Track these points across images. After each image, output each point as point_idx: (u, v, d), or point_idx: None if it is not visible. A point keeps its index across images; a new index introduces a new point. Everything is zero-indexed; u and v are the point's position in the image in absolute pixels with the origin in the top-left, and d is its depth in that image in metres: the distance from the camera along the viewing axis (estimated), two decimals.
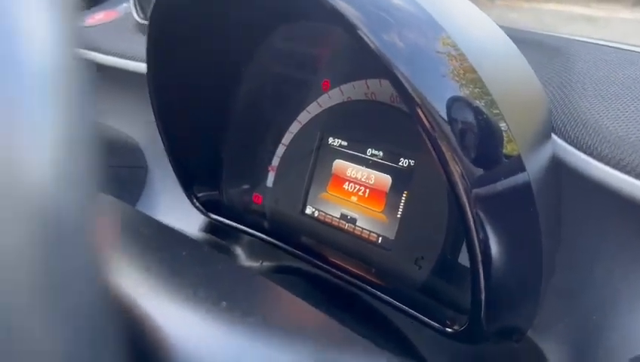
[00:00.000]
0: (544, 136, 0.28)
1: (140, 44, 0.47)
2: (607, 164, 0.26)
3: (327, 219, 0.36)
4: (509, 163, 0.25)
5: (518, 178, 0.25)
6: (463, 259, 0.31)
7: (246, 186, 0.41)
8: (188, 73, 0.36)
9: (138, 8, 0.49)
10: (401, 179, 0.32)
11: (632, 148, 0.25)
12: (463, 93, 0.24)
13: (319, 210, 0.36)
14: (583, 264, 0.27)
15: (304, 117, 0.38)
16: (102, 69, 0.48)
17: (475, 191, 0.24)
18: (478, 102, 0.24)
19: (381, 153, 0.33)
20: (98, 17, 0.52)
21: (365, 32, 0.22)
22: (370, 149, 0.34)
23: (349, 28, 0.22)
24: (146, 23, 0.48)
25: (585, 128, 0.27)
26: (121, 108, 0.51)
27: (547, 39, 0.37)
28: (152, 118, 0.37)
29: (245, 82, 0.40)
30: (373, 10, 0.23)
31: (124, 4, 0.53)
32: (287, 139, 0.39)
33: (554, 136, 0.28)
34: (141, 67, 0.42)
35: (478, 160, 0.24)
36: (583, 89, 0.30)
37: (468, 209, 0.24)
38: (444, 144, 0.23)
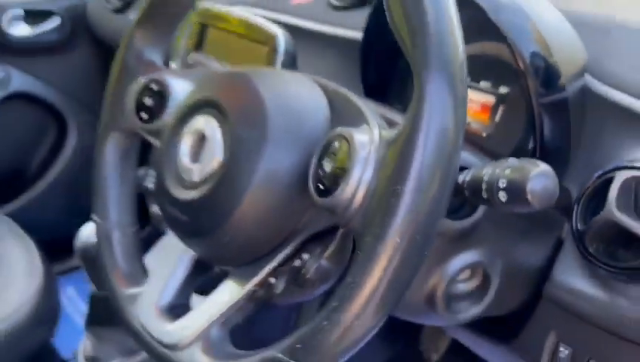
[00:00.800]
0: (580, 75, 0.52)
1: (336, 18, 0.74)
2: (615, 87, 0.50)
3: None
4: (557, 88, 0.50)
5: (561, 96, 0.50)
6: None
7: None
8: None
9: None
10: (500, 99, 0.58)
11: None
12: (538, 49, 0.49)
13: None
14: (591, 148, 0.52)
15: None
16: (311, 36, 0.75)
17: (540, 100, 0.49)
18: (545, 55, 0.49)
19: (489, 83, 0.59)
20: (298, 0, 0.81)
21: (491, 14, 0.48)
22: (482, 82, 0.59)
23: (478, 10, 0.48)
24: (337, 3, 0.75)
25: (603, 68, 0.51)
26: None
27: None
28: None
29: None
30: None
31: None
32: None
33: (586, 75, 0.52)
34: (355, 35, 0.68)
35: (542, 84, 0.49)
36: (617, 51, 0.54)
37: (536, 109, 0.50)
38: (528, 75, 0.49)
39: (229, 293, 0.41)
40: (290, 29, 0.73)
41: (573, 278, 0.50)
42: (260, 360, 0.36)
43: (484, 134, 0.59)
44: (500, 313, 0.56)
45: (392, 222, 0.31)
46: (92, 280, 0.73)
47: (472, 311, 0.48)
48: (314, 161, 0.36)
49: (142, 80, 0.50)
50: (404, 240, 0.31)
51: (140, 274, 0.49)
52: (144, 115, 0.49)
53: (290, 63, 0.69)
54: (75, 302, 1.27)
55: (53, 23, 1.18)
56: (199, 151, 0.41)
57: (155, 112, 0.48)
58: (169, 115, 0.47)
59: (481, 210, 0.43)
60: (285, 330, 0.84)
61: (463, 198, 0.39)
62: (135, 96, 0.50)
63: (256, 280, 0.40)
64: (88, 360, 0.79)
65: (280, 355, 0.35)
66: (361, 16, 0.70)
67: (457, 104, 0.32)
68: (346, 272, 0.36)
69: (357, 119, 0.38)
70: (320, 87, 0.43)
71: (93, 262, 0.69)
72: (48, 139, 1.28)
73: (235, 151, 0.39)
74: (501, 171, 0.35)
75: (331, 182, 0.35)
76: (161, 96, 0.48)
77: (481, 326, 0.60)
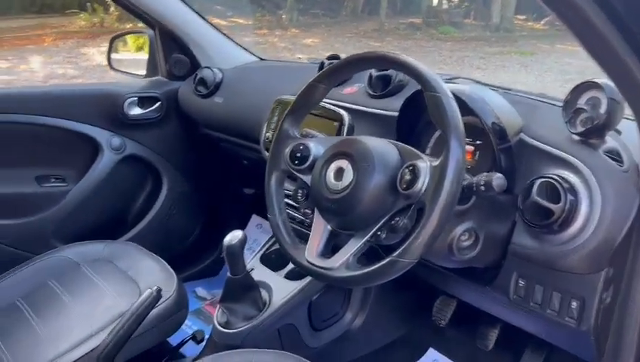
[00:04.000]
0: (518, 133, 0.99)
1: (373, 103, 1.22)
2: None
3: None
4: (506, 140, 0.97)
5: (508, 144, 0.98)
6: None
7: None
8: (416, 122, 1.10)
9: (370, 87, 1.24)
10: (477, 147, 1.05)
11: None
12: (494, 120, 0.97)
13: None
14: (524, 170, 0.99)
15: None
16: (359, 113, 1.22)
17: (498, 146, 0.97)
18: (498, 123, 0.97)
19: (471, 139, 1.06)
20: (347, 90, 1.29)
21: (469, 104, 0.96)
22: (468, 138, 1.07)
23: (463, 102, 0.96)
24: (373, 93, 1.23)
25: None
26: None
27: None
28: None
29: None
30: None
31: (357, 84, 1.29)
32: None
33: (522, 133, 1.00)
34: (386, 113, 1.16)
35: (498, 138, 0.97)
36: None
37: (496, 151, 0.97)
38: (490, 133, 0.97)
39: (355, 243, 0.86)
40: (345, 108, 1.20)
41: (523, 239, 0.95)
42: (380, 265, 0.80)
43: (469, 166, 1.05)
44: (484, 265, 1.00)
45: (438, 200, 0.77)
46: (230, 268, 1.15)
47: (470, 254, 0.93)
48: (400, 174, 0.82)
49: (293, 143, 0.96)
50: (443, 208, 0.77)
51: (298, 241, 0.93)
52: (296, 162, 0.94)
53: (351, 132, 1.16)
54: None
55: (156, 104, 1.65)
56: (340, 176, 0.86)
57: (302, 160, 0.94)
58: (309, 161, 0.93)
59: (472, 200, 0.89)
60: (342, 307, 1.28)
61: (464, 193, 0.85)
62: (289, 152, 0.95)
63: (371, 233, 0.84)
64: (221, 325, 1.20)
65: (393, 258, 0.79)
66: (388, 101, 1.19)
67: (463, 151, 0.79)
68: (413, 228, 0.81)
69: (415, 155, 0.84)
70: (391, 143, 0.89)
71: (234, 255, 1.12)
72: (147, 188, 1.72)
73: (359, 174, 0.84)
74: (480, 177, 0.81)
75: (409, 183, 0.80)
76: (306, 152, 0.94)
77: (473, 275, 1.05)
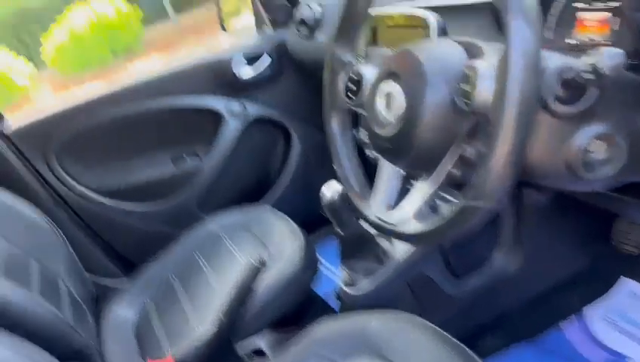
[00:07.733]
0: None
1: None
2: None
3: None
4: None
5: None
6: None
7: None
8: None
9: None
10: (614, 12, 0.72)
11: None
12: None
13: None
14: None
15: None
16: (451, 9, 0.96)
17: None
18: None
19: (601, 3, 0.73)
20: None
21: None
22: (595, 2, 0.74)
23: None
24: None
25: None
26: None
27: None
28: None
29: None
30: None
31: None
32: None
33: None
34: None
35: None
36: None
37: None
38: None
39: (423, 188, 0.65)
40: (433, 9, 0.94)
41: None
42: (454, 210, 0.59)
43: (610, 43, 0.72)
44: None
45: (503, 112, 0.52)
46: (337, 225, 1.03)
47: (607, 171, 0.64)
48: (457, 85, 0.59)
49: (345, 75, 0.77)
50: (512, 122, 0.52)
51: (368, 191, 0.77)
52: (351, 95, 0.76)
53: (442, 33, 0.91)
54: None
55: (266, 62, 1.56)
56: (390, 104, 0.66)
57: (356, 92, 0.76)
58: (364, 91, 0.74)
59: (592, 95, 0.60)
60: (487, 247, 1.06)
61: (571, 88, 0.57)
62: (344, 86, 0.77)
63: (442, 172, 0.63)
64: (347, 284, 1.10)
65: (463, 204, 0.57)
66: None
67: (534, 36, 0.52)
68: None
69: (480, 52, 0.59)
70: (454, 41, 0.65)
71: (335, 212, 0.99)
72: (279, 146, 1.68)
73: (410, 98, 0.63)
74: (585, 60, 0.53)
75: (467, 93, 0.57)
76: (359, 81, 0.75)
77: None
